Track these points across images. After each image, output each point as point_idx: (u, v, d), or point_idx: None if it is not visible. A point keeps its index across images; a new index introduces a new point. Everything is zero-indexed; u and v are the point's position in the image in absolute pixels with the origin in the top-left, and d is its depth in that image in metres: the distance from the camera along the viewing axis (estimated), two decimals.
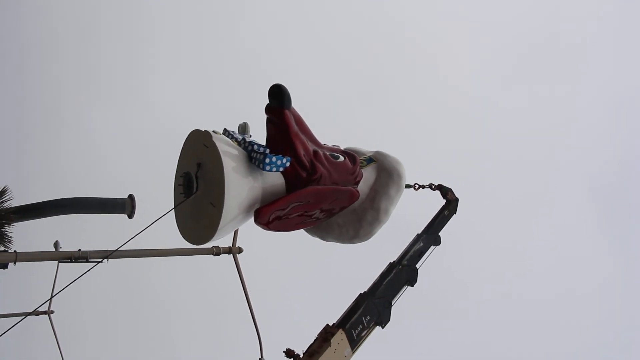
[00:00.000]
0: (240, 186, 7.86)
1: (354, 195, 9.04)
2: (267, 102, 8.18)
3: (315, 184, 8.41)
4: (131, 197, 19.57)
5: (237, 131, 8.79)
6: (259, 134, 8.86)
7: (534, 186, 42.28)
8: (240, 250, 13.08)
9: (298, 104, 8.43)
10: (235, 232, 12.83)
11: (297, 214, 8.55)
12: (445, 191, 11.91)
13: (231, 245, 12.99)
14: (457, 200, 11.90)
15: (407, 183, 10.09)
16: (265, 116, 8.49)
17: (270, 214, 8.11)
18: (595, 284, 38.21)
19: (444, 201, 12.11)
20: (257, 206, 8.23)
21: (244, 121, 8.95)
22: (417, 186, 11.29)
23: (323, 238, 9.89)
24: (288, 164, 8.06)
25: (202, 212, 8.14)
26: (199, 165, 8.16)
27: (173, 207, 8.68)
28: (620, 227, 41.98)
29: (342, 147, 9.98)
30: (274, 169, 7.97)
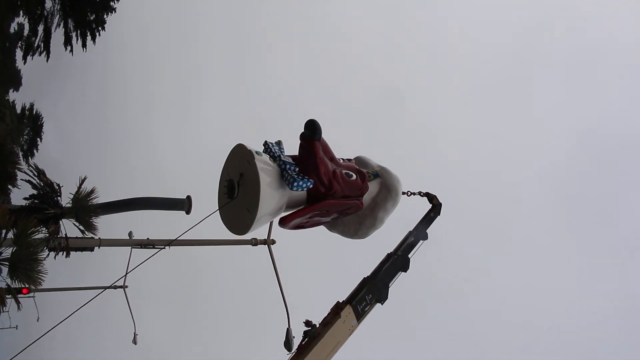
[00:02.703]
0: (271, 198, 9.14)
1: (359, 207, 10.38)
2: (302, 130, 9.31)
3: (331, 198, 9.67)
4: (189, 197, 22.70)
5: (274, 144, 9.93)
6: (288, 145, 10.10)
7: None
8: (273, 242, 15.43)
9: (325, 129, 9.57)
10: (270, 228, 15.13)
11: (314, 219, 10.11)
12: (431, 197, 12.98)
13: (266, 238, 15.42)
14: (440, 204, 12.99)
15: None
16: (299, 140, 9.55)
17: (293, 220, 9.59)
18: None
19: (430, 205, 13.03)
20: (283, 209, 9.58)
21: (279, 139, 10.19)
22: (409, 193, 12.23)
23: (330, 230, 11.20)
24: (312, 186, 9.29)
25: (240, 212, 9.35)
26: (241, 174, 9.29)
27: (219, 207, 9.89)
28: None
29: (354, 157, 11.20)
30: (299, 190, 9.20)
